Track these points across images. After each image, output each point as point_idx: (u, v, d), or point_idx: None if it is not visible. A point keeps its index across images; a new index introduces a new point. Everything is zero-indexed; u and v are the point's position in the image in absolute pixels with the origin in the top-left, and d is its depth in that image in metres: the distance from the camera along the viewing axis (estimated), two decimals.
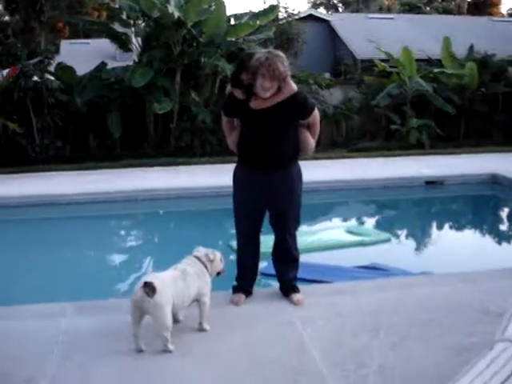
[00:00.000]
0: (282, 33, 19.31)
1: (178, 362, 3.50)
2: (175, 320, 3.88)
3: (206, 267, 3.98)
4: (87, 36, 27.84)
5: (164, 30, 13.41)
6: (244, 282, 4.46)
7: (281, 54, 3.91)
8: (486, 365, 2.54)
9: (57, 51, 25.48)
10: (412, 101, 16.01)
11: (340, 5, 55.76)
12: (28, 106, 13.37)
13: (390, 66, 16.86)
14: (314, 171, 10.68)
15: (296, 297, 4.35)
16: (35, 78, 13.51)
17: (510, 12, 48.47)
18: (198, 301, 3.88)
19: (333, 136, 16.31)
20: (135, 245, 8.10)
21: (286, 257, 4.40)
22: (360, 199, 10.37)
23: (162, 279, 3.61)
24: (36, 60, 14.00)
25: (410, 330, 3.85)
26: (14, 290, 5.87)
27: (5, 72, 13.92)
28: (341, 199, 10.27)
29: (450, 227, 8.74)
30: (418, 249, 7.18)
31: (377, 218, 9.49)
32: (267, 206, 4.29)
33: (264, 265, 5.38)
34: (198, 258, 3.98)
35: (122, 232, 8.69)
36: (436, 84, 16.10)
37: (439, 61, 17.41)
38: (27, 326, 4.06)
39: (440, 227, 8.81)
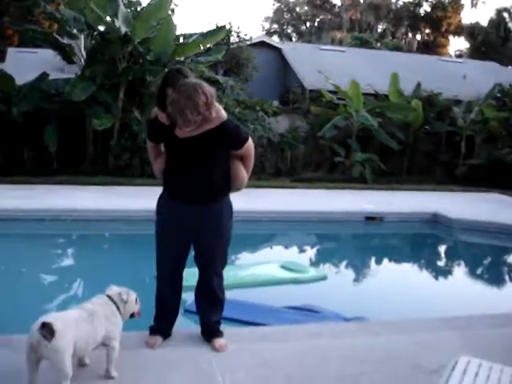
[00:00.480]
0: (233, 57, 19.16)
1: None
2: (80, 364, 3.50)
3: (117, 308, 3.58)
4: (37, 46, 27.07)
5: (110, 45, 12.99)
6: (162, 322, 4.08)
7: (201, 84, 3.56)
8: None
9: (2, 59, 24.71)
10: (357, 134, 16.06)
11: (294, 34, 56.57)
12: None
13: (338, 98, 16.93)
14: (255, 200, 10.43)
15: (218, 342, 3.99)
16: None
17: (457, 53, 50.07)
18: (105, 345, 3.47)
19: (277, 164, 16.14)
20: (56, 270, 7.53)
21: (210, 298, 4.05)
22: (299, 232, 10.12)
23: (64, 320, 3.20)
24: None
25: None
26: None
27: None
28: (279, 231, 10.00)
29: (389, 266, 8.52)
30: (354, 289, 6.84)
31: (314, 253, 9.22)
32: (192, 242, 3.94)
33: (189, 301, 5.03)
34: (109, 297, 3.58)
35: (44, 254, 8.12)
36: (381, 119, 16.18)
37: (386, 96, 17.56)
38: None
39: (378, 266, 8.60)
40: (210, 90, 3.54)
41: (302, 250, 9.10)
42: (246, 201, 9.95)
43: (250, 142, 3.84)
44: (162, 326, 4.08)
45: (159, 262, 4.00)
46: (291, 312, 5.31)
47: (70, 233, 9.33)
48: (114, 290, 3.65)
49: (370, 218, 10.31)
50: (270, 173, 15.49)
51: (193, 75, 3.90)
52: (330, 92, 17.49)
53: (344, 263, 8.50)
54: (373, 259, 8.92)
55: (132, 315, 3.70)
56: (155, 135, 3.90)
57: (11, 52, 25.75)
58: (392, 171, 16.25)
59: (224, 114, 3.71)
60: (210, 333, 4.06)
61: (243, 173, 3.91)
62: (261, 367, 3.75)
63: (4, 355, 3.69)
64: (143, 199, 9.99)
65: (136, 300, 3.70)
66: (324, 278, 6.80)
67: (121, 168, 13.42)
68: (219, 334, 4.06)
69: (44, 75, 14.10)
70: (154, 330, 4.06)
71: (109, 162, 13.71)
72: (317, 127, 16.36)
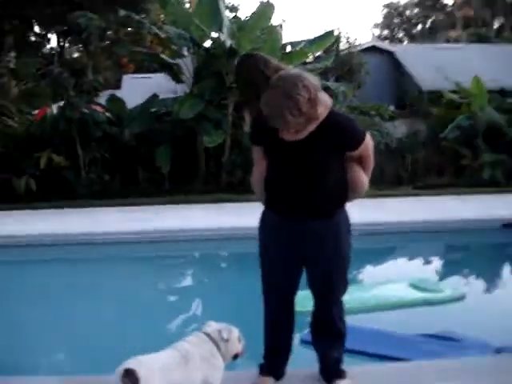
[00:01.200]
0: (343, 63, 18.44)
1: None
2: None
3: (218, 348, 3.00)
4: (152, 71, 27.77)
5: (216, 60, 12.71)
6: (273, 362, 3.45)
7: (301, 75, 2.89)
8: None
9: (118, 87, 25.55)
10: (484, 134, 14.72)
11: (405, 38, 54.82)
12: (74, 138, 12.87)
13: (460, 98, 15.70)
14: (375, 211, 9.60)
15: None
16: (85, 110, 13.02)
17: None
18: None
19: (398, 171, 15.14)
20: (162, 296, 7.15)
21: (329, 331, 3.36)
22: (427, 245, 9.11)
23: (150, 366, 2.67)
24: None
25: None
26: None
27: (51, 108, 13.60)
28: (404, 244, 9.07)
29: None
30: (499, 311, 5.62)
31: (447, 268, 8.13)
32: (305, 266, 3.28)
33: (306, 330, 4.35)
34: (208, 335, 3.01)
35: (152, 276, 7.79)
36: (510, 116, 14.76)
37: None
38: None
39: None
40: (312, 81, 2.88)
41: (432, 266, 8.09)
42: (364, 212, 9.20)
43: (368, 139, 3.14)
44: (274, 367, 3.44)
45: (265, 290, 3.38)
46: (426, 341, 4.49)
47: (179, 254, 9.00)
48: (212, 326, 3.10)
49: (508, 225, 9.14)
50: (390, 181, 14.52)
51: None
52: (450, 91, 16.29)
53: (483, 279, 7.40)
54: None
55: (235, 356, 3.10)
56: (258, 136, 3.27)
57: (126, 79, 26.55)
58: None
59: (330, 104, 3.03)
60: (329, 373, 3.38)
61: (363, 177, 3.21)
62: None
63: None
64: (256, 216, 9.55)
65: (239, 338, 3.12)
66: (461, 298, 5.83)
67: (233, 185, 13.04)
68: (341, 373, 3.38)
69: (154, 97, 14.11)
70: (264, 370, 3.45)
71: (221, 180, 13.42)
72: (438, 129, 15.21)
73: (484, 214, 9.75)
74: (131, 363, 2.65)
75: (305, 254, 3.21)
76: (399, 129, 15.63)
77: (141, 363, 2.67)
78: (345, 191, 3.21)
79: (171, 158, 13.33)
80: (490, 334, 4.68)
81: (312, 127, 2.97)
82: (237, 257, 8.71)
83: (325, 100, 3.02)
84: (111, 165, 13.59)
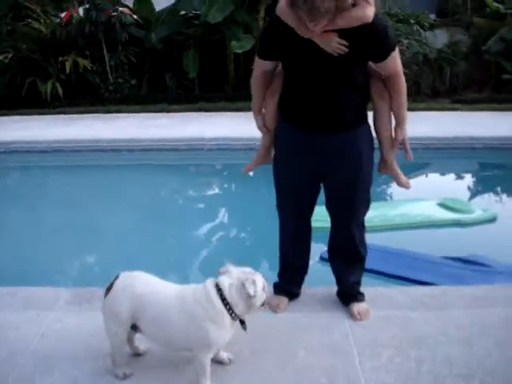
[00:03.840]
0: None
1: None
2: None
3: (232, 313, 2.48)
4: None
5: None
6: (288, 281, 3.29)
7: None
8: None
9: None
10: None
11: None
12: (101, 41, 12.49)
13: (505, 8, 14.76)
14: (408, 125, 9.20)
15: (357, 308, 3.14)
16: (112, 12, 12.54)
17: None
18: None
19: (435, 83, 14.48)
20: (183, 205, 7.04)
21: (349, 255, 3.17)
22: (461, 162, 8.71)
23: (139, 283, 2.56)
24: None
25: None
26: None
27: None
28: (436, 161, 8.67)
29: None
30: None
31: (480, 188, 7.77)
32: (323, 182, 3.04)
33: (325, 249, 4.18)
34: (223, 299, 2.47)
35: (173, 185, 7.69)
36: None
37: None
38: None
39: None
40: None
41: (463, 185, 7.74)
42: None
43: (396, 53, 2.76)
44: (288, 285, 3.29)
45: (281, 213, 3.17)
46: (454, 265, 4.28)
47: (201, 162, 8.87)
48: (232, 275, 2.51)
49: None
50: (427, 93, 13.91)
51: None
52: (496, 1, 15.31)
53: None
54: None
55: (259, 307, 2.58)
56: (272, 44, 2.82)
57: None
58: None
59: (369, 13, 2.59)
60: (347, 296, 3.22)
61: (383, 91, 2.88)
62: (410, 347, 2.86)
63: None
64: None
65: (264, 286, 2.54)
66: (493, 220, 5.55)
67: None
68: (359, 297, 3.21)
69: None
70: (278, 289, 3.29)
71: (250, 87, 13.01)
72: (480, 41, 14.40)
73: None
74: (124, 274, 2.60)
75: (325, 167, 2.95)
76: (439, 39, 14.82)
77: (127, 277, 2.58)
78: (366, 105, 2.93)
79: (199, 63, 12.92)
80: None
81: (340, 25, 2.60)
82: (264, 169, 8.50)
83: (362, 5, 2.61)
84: (138, 69, 13.27)
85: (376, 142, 3.05)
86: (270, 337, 2.96)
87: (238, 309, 2.47)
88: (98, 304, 2.73)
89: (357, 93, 2.82)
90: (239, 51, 11.95)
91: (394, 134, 3.00)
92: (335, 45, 2.61)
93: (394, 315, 3.17)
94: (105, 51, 12.61)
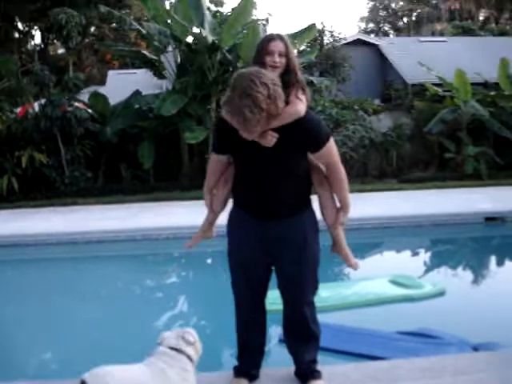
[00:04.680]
0: (328, 57, 18.38)
1: None
2: None
3: (190, 359, 2.79)
4: (137, 67, 27.55)
5: (198, 56, 12.62)
6: (247, 363, 3.40)
7: (259, 72, 2.71)
8: None
9: (103, 82, 25.33)
10: (468, 127, 14.75)
11: (391, 31, 54.82)
12: (56, 136, 12.74)
13: (443, 91, 15.70)
14: (357, 206, 9.56)
15: None
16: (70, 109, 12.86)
17: None
18: None
19: (382, 165, 15.13)
20: (142, 294, 7.10)
21: (303, 333, 3.30)
22: (409, 239, 9.09)
23: (120, 378, 2.54)
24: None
25: None
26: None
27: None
28: (386, 240, 9.06)
29: None
30: (480, 307, 5.60)
31: (428, 263, 8.13)
32: (274, 265, 3.23)
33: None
34: (177, 350, 2.77)
35: (133, 275, 7.74)
36: (494, 109, 14.79)
37: (496, 84, 16.08)
38: None
39: (507, 276, 7.24)
40: (271, 77, 2.73)
41: (414, 261, 8.05)
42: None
43: (332, 143, 3.00)
44: (248, 367, 3.39)
45: (236, 293, 3.32)
46: (405, 339, 4.46)
47: (162, 252, 8.97)
48: (171, 337, 2.83)
49: (490, 219, 9.15)
50: (375, 175, 14.52)
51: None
52: (434, 85, 16.28)
53: (465, 274, 7.39)
54: (499, 268, 7.76)
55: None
56: (222, 141, 3.09)
57: (112, 75, 26.31)
58: (510, 164, 14.75)
59: (301, 109, 2.89)
60: (304, 375, 3.33)
61: (333, 204, 3.17)
62: None
63: None
64: None
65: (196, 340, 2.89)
66: (442, 294, 5.81)
67: None
68: (316, 375, 3.32)
69: (136, 93, 13.99)
70: (238, 372, 3.40)
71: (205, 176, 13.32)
72: (422, 123, 15.22)
73: (467, 207, 9.76)
74: (89, 375, 2.51)
75: (273, 251, 3.15)
76: (384, 122, 15.58)
77: (97, 377, 2.50)
78: (309, 190, 3.16)
79: (154, 154, 13.25)
80: (469, 330, 4.69)
81: (275, 125, 2.89)
82: (219, 254, 8.65)
83: (295, 102, 2.91)
84: (94, 162, 13.52)
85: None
86: None
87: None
88: None
89: (297, 182, 3.06)
90: (193, 142, 12.34)
91: (337, 217, 3.21)
92: (270, 138, 2.89)
93: None
94: (60, 145, 12.84)
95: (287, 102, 2.86)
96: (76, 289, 7.04)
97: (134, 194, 12.70)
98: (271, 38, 3.03)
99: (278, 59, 2.95)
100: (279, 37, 3.04)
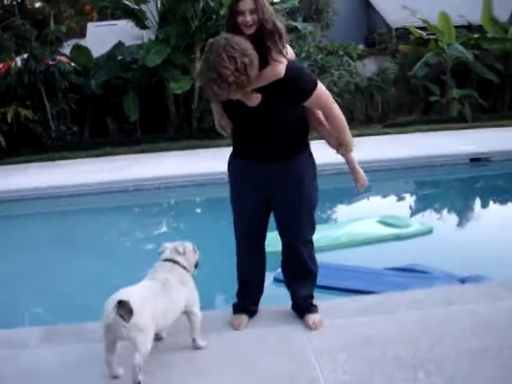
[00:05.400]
0: (311, 3, 18.22)
1: None
2: (158, 338, 3.17)
3: (185, 269, 3.19)
4: (118, 18, 27.00)
5: (180, 4, 12.47)
6: (246, 299, 3.56)
7: (227, 44, 2.74)
8: None
9: (83, 35, 24.87)
10: (452, 70, 14.80)
11: None
12: (41, 90, 12.64)
13: (427, 34, 15.67)
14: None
15: (312, 319, 3.43)
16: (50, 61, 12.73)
17: None
18: (186, 313, 3.13)
19: (367, 111, 15.22)
20: (140, 241, 7.24)
21: (300, 271, 3.46)
22: (397, 182, 9.28)
23: (140, 295, 2.82)
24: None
25: (460, 366, 2.90)
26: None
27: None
28: (374, 183, 9.16)
29: (503, 213, 7.44)
30: (466, 243, 5.88)
31: (416, 203, 8.32)
32: (272, 206, 3.36)
33: (279, 269, 4.47)
34: (172, 260, 3.17)
35: (127, 225, 7.87)
36: (478, 51, 14.82)
37: (480, 26, 16.06)
38: None
39: (491, 214, 7.51)
40: (240, 48, 2.76)
41: (401, 202, 8.26)
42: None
43: (321, 88, 3.08)
44: (247, 304, 3.56)
45: (237, 235, 3.46)
46: (395, 274, 4.66)
47: (153, 201, 9.06)
48: (168, 248, 3.26)
49: (475, 160, 9.33)
50: (360, 120, 14.61)
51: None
52: (418, 28, 16.23)
53: (451, 213, 7.61)
54: (484, 206, 7.96)
55: (196, 265, 3.33)
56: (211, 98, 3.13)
57: (91, 27, 25.84)
58: (494, 107, 14.92)
59: (280, 70, 2.93)
60: (301, 309, 3.50)
61: (332, 137, 3.26)
62: (363, 348, 3.15)
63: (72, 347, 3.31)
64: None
65: (194, 250, 3.31)
66: (429, 232, 6.01)
67: (205, 130, 12.97)
68: (312, 309, 3.49)
69: (119, 44, 13.88)
70: (237, 309, 3.56)
71: (193, 126, 13.35)
72: (407, 67, 15.26)
73: (452, 149, 9.92)
74: (122, 294, 2.74)
75: (271, 194, 3.28)
76: (368, 67, 15.61)
77: (131, 293, 2.78)
78: (305, 135, 3.27)
79: (140, 106, 13.22)
80: (456, 265, 4.87)
81: (257, 85, 2.95)
82: (211, 202, 8.79)
83: (274, 64, 2.94)
84: (80, 116, 13.45)
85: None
86: (234, 351, 3.21)
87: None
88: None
89: (291, 129, 3.16)
90: (178, 92, 12.30)
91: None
92: (253, 99, 2.98)
93: (346, 322, 3.47)
94: (45, 100, 12.73)
95: (266, 62, 2.92)
96: (73, 240, 7.17)
97: (121, 147, 12.71)
98: None
99: (249, 18, 2.90)
100: None
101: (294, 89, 3.00)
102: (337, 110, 3.16)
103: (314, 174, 3.34)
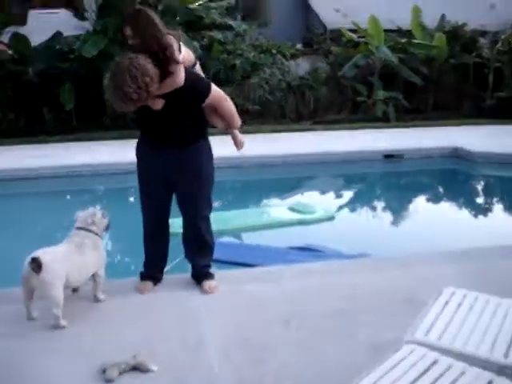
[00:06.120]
0: (249, 1, 18.72)
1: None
2: (74, 289, 3.79)
3: (98, 236, 3.75)
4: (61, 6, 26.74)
5: None
6: (152, 268, 4.07)
7: (131, 65, 3.21)
8: (391, 367, 2.26)
9: (23, 22, 24.60)
10: (380, 72, 15.58)
11: None
12: None
13: (358, 37, 16.39)
14: (272, 144, 10.36)
15: (208, 284, 3.97)
16: None
17: None
18: (93, 274, 3.71)
19: (298, 108, 15.82)
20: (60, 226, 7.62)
21: (198, 243, 4.00)
22: (316, 174, 9.97)
23: (52, 254, 3.42)
24: None
25: (325, 322, 3.50)
26: None
27: None
28: (295, 175, 9.85)
29: (403, 205, 8.21)
30: (362, 229, 6.64)
31: (326, 194, 9.06)
32: (173, 188, 3.88)
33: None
34: (86, 229, 3.70)
35: (58, 210, 8.20)
36: (404, 55, 15.65)
37: (410, 31, 16.93)
38: None
39: (392, 204, 8.31)
40: (142, 68, 3.24)
41: (314, 192, 8.97)
42: (262, 145, 9.90)
43: (214, 90, 3.62)
44: (152, 272, 4.07)
45: (144, 210, 3.97)
46: (292, 253, 5.26)
47: (85, 188, 9.41)
48: (81, 217, 3.75)
49: (389, 156, 10.08)
50: (291, 117, 15.21)
51: (157, 17, 3.45)
52: (351, 31, 16.93)
53: (356, 203, 8.35)
54: (387, 198, 8.74)
55: (107, 228, 3.89)
56: None
57: (33, 14, 25.56)
58: (417, 108, 15.80)
59: (180, 80, 3.43)
60: (199, 276, 4.04)
61: (217, 121, 3.80)
62: (248, 307, 3.72)
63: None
64: None
65: (103, 215, 3.84)
66: (331, 219, 6.70)
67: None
68: (209, 276, 4.04)
69: (57, 34, 13.98)
70: (144, 276, 4.07)
71: (127, 117, 13.64)
72: (337, 67, 15.95)
73: (369, 146, 10.65)
74: (36, 253, 3.33)
75: (171, 177, 3.79)
76: (302, 66, 16.18)
77: (44, 252, 3.37)
78: (199, 129, 3.77)
79: (76, 96, 13.41)
80: (350, 247, 5.50)
81: (163, 92, 3.45)
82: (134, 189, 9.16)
83: (175, 75, 3.41)
84: (15, 103, 13.55)
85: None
86: (137, 309, 3.72)
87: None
88: None
89: (192, 123, 3.68)
90: None
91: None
92: (157, 104, 3.50)
93: (238, 288, 4.02)
94: None
95: (168, 72, 3.41)
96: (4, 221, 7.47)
97: (57, 135, 12.89)
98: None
99: (130, 41, 3.40)
100: (128, 19, 3.43)
101: (192, 95, 3.56)
102: (227, 102, 3.74)
103: (211, 157, 3.88)
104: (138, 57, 3.29)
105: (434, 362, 2.31)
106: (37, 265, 3.25)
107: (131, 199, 8.62)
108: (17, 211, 8.06)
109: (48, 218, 7.73)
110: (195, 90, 3.56)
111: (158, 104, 3.51)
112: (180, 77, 3.45)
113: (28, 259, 3.31)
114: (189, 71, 3.55)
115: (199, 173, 3.79)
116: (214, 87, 3.63)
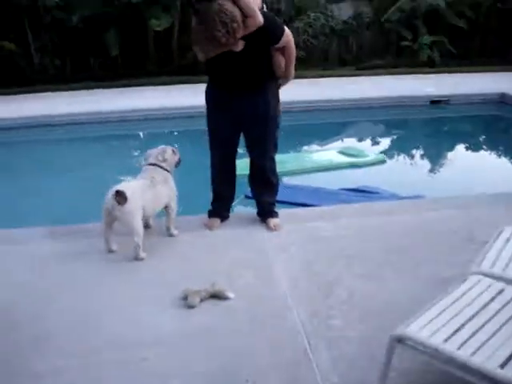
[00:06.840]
0: None
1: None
2: (146, 226, 4.00)
3: (168, 171, 3.99)
4: None
5: None
6: (219, 206, 4.28)
7: (220, 10, 3.34)
8: (457, 297, 2.43)
9: None
10: (425, 16, 15.29)
11: None
12: (24, 24, 12.91)
13: None
14: (319, 90, 10.40)
15: (273, 222, 4.17)
16: None
17: None
18: (165, 208, 3.98)
19: (341, 53, 15.71)
20: (124, 167, 7.86)
21: (264, 180, 4.18)
22: (362, 119, 10.01)
23: (132, 188, 3.66)
24: None
25: (388, 257, 3.67)
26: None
27: None
28: (340, 119, 9.90)
29: (451, 149, 8.33)
30: (413, 172, 6.82)
31: (375, 138, 9.12)
32: (242, 130, 4.04)
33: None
34: (157, 165, 3.96)
35: (113, 152, 8.45)
36: None
37: None
38: None
39: (440, 149, 8.38)
40: (230, 15, 3.37)
41: (363, 137, 9.04)
42: (308, 91, 9.96)
43: (287, 33, 3.75)
44: (220, 209, 4.28)
45: (211, 146, 4.14)
46: (347, 193, 5.42)
47: (135, 132, 9.63)
48: (151, 154, 4.02)
49: (435, 102, 10.04)
50: (335, 63, 15.13)
51: None
52: None
53: (405, 147, 8.39)
54: (435, 143, 8.77)
55: (177, 163, 4.14)
56: None
57: None
58: (463, 53, 15.49)
59: (260, 20, 3.53)
60: (264, 213, 4.24)
61: (282, 61, 3.89)
62: (312, 244, 3.90)
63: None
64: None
65: (174, 151, 4.10)
66: (383, 162, 6.83)
67: (186, 67, 13.36)
68: (274, 214, 4.23)
69: None
70: (212, 213, 4.28)
71: (173, 62, 13.77)
72: (382, 11, 15.69)
73: (416, 91, 10.60)
74: (120, 186, 3.58)
75: (241, 120, 3.93)
76: (345, 11, 15.98)
77: (126, 186, 3.61)
78: (270, 71, 3.88)
79: (121, 42, 13.53)
80: (403, 189, 5.64)
81: (243, 34, 3.53)
82: (190, 133, 9.36)
83: (255, 16, 3.50)
84: (62, 50, 13.73)
85: None
86: (207, 243, 3.95)
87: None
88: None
89: (260, 66, 3.79)
90: (159, 29, 12.66)
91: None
92: (240, 46, 3.62)
93: (300, 226, 4.21)
94: (29, 34, 12.99)
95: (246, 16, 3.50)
96: (67, 163, 7.77)
97: (103, 81, 13.08)
98: None
99: None
100: None
101: (271, 34, 3.67)
102: (293, 46, 3.85)
103: (278, 101, 4.02)
104: (225, 3, 3.40)
105: (500, 292, 2.47)
106: (122, 197, 3.49)
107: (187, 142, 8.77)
108: (80, 152, 8.31)
109: (115, 160, 7.96)
110: (273, 29, 3.68)
111: (240, 46, 3.63)
112: (260, 17, 3.56)
113: (112, 192, 3.54)
114: (263, 12, 3.65)
115: (268, 116, 3.93)
116: (287, 29, 3.75)
